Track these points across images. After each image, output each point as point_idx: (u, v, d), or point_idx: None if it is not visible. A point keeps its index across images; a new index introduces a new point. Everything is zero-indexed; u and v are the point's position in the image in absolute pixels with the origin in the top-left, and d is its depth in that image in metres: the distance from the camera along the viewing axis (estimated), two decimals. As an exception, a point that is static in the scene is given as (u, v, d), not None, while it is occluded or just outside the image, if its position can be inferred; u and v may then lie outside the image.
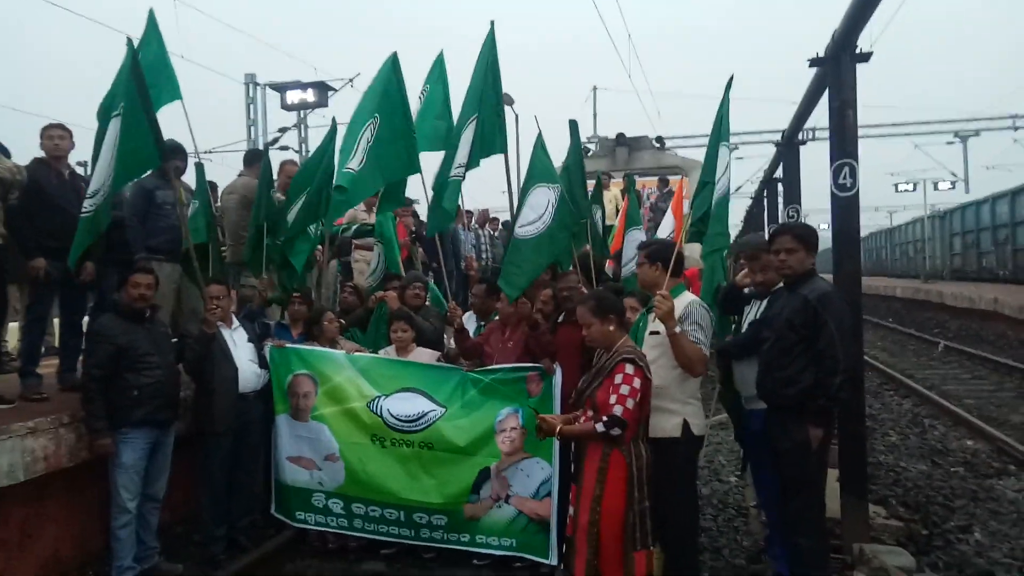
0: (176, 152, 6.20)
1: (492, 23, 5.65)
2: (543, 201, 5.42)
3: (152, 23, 5.47)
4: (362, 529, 5.28)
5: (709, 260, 5.10)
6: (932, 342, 16.76)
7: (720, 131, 4.86)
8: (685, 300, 4.22)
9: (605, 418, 3.72)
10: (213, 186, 7.42)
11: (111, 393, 4.70)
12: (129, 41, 4.98)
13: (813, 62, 5.85)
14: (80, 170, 6.65)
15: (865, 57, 5.30)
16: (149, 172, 5.66)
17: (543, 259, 5.39)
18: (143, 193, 5.98)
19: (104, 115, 5.02)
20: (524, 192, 5.55)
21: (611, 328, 3.95)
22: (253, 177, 6.76)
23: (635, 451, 3.82)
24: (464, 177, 5.70)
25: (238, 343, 5.38)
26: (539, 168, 5.56)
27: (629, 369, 3.78)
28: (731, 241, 5.87)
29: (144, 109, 4.96)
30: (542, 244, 5.34)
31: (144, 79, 4.97)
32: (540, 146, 5.66)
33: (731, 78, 4.86)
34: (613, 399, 3.73)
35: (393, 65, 5.74)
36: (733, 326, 5.10)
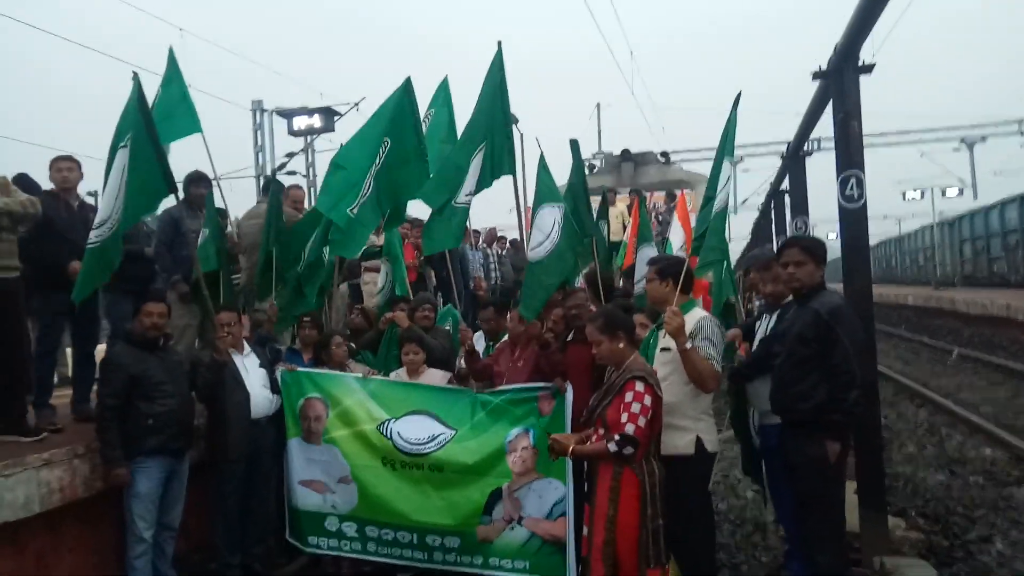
0: (199, 181, 6.30)
1: (500, 43, 5.67)
2: (549, 221, 5.46)
3: (172, 61, 5.66)
4: (376, 553, 5.25)
5: (702, 273, 5.07)
6: (946, 350, 16.64)
7: (725, 146, 4.86)
8: (696, 316, 4.21)
9: (617, 437, 3.70)
10: (223, 212, 7.46)
11: (125, 423, 4.71)
12: (135, 75, 5.05)
13: (816, 75, 5.87)
14: (91, 200, 6.70)
15: (868, 69, 5.32)
16: (176, 202, 5.74)
17: (553, 279, 5.41)
18: (171, 222, 6.05)
19: (112, 148, 5.08)
20: (532, 214, 5.60)
21: (620, 345, 3.94)
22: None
23: (647, 468, 3.79)
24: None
25: (250, 369, 5.38)
26: (543, 189, 5.61)
27: (639, 387, 3.76)
28: (728, 255, 5.92)
29: (151, 142, 5.01)
30: (551, 264, 5.36)
31: (150, 112, 5.05)
32: (542, 167, 5.71)
33: (739, 94, 4.86)
34: (624, 417, 3.71)
35: (406, 88, 5.80)
36: (736, 352, 5.10)
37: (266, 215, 6.49)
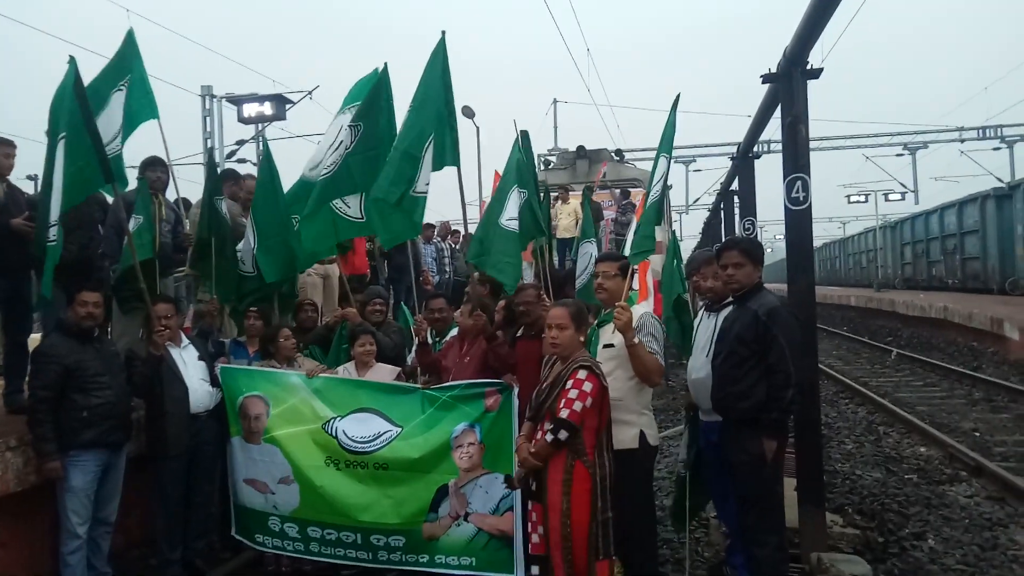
0: (155, 165, 6.14)
1: (443, 33, 5.62)
2: (517, 201, 5.69)
3: (132, 43, 5.52)
4: (319, 553, 5.16)
5: (635, 261, 5.10)
6: (885, 350, 17.11)
7: (662, 143, 4.94)
8: (638, 312, 4.29)
9: (550, 426, 3.73)
10: (184, 202, 7.23)
11: (60, 415, 4.56)
12: (72, 59, 4.88)
13: (766, 78, 5.95)
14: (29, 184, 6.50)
15: (816, 73, 5.41)
16: (112, 192, 5.59)
17: (517, 254, 5.67)
18: (123, 206, 5.86)
19: (52, 138, 4.91)
20: (507, 189, 5.80)
21: (581, 339, 3.98)
22: (226, 195, 6.68)
23: (598, 461, 3.80)
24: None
25: (188, 362, 5.24)
26: (515, 169, 5.88)
27: (582, 375, 3.79)
28: (679, 250, 6.05)
29: (88, 129, 4.84)
30: (518, 239, 5.62)
31: (86, 97, 4.88)
32: (518, 149, 5.98)
33: (678, 96, 5.00)
34: (561, 403, 3.76)
35: (381, 75, 5.83)
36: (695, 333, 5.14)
37: (202, 201, 6.33)
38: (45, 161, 4.97)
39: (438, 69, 5.50)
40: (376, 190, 5.55)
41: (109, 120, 5.27)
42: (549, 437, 3.74)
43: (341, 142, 5.81)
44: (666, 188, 4.88)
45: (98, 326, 4.88)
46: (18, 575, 4.91)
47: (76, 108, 4.80)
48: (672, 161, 5.01)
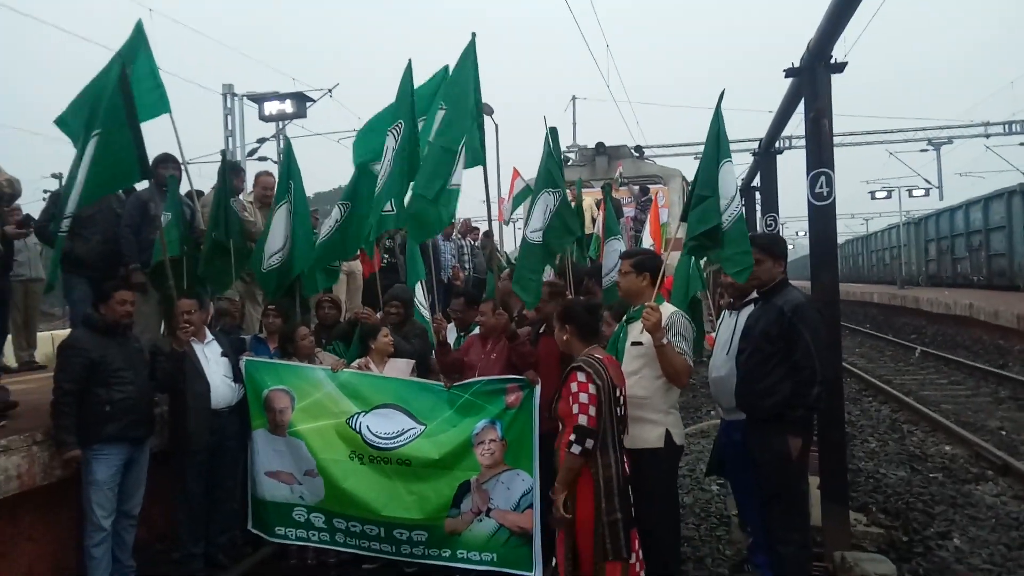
0: (167, 162, 6.18)
1: (473, 35, 5.61)
2: (543, 208, 5.74)
3: (141, 35, 5.45)
4: (344, 544, 5.22)
5: (743, 278, 4.95)
6: (909, 348, 16.92)
7: (719, 148, 4.79)
8: (667, 311, 4.23)
9: (574, 437, 3.68)
10: (198, 195, 7.29)
11: (82, 409, 4.62)
12: (117, 58, 4.92)
13: (788, 72, 5.90)
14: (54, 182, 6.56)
15: (840, 67, 5.36)
16: (146, 184, 5.62)
17: (539, 266, 5.68)
18: (139, 205, 5.90)
19: (86, 133, 4.93)
20: (536, 195, 5.83)
21: (564, 337, 3.98)
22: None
23: (602, 462, 3.72)
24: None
25: (210, 357, 5.29)
26: (544, 172, 5.88)
27: (581, 377, 3.73)
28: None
29: (130, 125, 4.88)
30: (540, 250, 5.63)
31: (132, 94, 4.90)
32: (547, 152, 5.94)
33: (722, 92, 4.80)
34: (575, 409, 3.69)
35: (407, 72, 5.82)
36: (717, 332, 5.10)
37: (213, 200, 6.36)
38: (75, 156, 5.01)
39: (468, 70, 5.49)
40: (416, 186, 5.50)
41: None
42: (576, 450, 3.66)
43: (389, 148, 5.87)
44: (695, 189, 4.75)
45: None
46: (45, 568, 4.98)
47: (120, 105, 4.83)
48: (697, 159, 4.93)
